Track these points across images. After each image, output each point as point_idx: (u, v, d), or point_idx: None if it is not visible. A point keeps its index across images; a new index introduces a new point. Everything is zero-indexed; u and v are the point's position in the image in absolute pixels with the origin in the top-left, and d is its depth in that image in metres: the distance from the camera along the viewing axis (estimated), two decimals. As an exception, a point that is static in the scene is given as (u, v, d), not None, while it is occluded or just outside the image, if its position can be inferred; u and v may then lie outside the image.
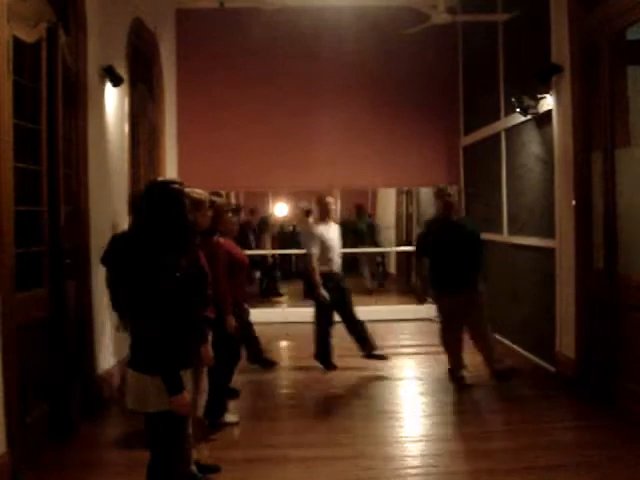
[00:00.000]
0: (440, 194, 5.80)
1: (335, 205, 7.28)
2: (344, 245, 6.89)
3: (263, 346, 6.47)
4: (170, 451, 2.82)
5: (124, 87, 6.14)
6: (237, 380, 5.04)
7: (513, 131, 6.96)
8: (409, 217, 12.56)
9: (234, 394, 5.02)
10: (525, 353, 6.62)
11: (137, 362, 2.77)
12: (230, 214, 4.77)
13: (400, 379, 6.02)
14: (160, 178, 2.91)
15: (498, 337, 7.41)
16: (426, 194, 11.08)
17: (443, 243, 5.61)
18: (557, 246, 5.83)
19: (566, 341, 5.68)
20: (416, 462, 4.03)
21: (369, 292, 12.01)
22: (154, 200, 2.81)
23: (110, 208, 5.87)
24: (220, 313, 4.25)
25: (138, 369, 2.75)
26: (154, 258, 2.71)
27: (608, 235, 5.03)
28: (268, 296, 11.82)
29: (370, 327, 6.42)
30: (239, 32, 8.44)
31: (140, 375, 2.74)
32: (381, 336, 7.60)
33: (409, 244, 12.06)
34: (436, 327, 6.10)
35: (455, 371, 5.70)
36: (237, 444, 4.45)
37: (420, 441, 4.42)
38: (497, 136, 7.42)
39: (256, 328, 6.31)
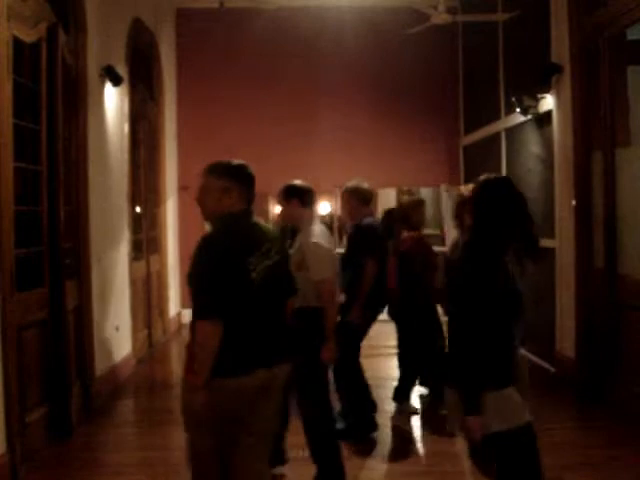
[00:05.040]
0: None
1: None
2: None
3: None
4: None
5: (124, 87, 6.15)
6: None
7: (513, 131, 6.96)
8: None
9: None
10: (525, 353, 6.61)
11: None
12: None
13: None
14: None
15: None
16: (426, 194, 11.06)
17: None
18: (557, 246, 5.83)
19: (566, 341, 5.68)
20: (416, 462, 4.03)
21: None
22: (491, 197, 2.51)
23: (110, 208, 5.87)
24: None
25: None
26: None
27: (608, 235, 5.03)
28: None
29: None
30: (239, 32, 8.45)
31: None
32: (380, 336, 7.58)
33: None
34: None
35: None
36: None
37: (420, 441, 4.42)
38: (497, 136, 7.42)
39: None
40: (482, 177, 2.55)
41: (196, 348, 2.46)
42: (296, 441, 3.80)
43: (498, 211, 2.45)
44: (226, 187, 2.61)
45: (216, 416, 2.52)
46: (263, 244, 2.63)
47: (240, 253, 2.52)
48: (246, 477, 2.65)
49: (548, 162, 6.05)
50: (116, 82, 5.74)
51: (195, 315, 2.49)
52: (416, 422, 4.77)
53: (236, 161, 2.70)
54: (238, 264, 2.50)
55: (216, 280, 2.45)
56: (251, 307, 2.55)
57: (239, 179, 2.65)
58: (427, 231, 10.76)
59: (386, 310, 4.87)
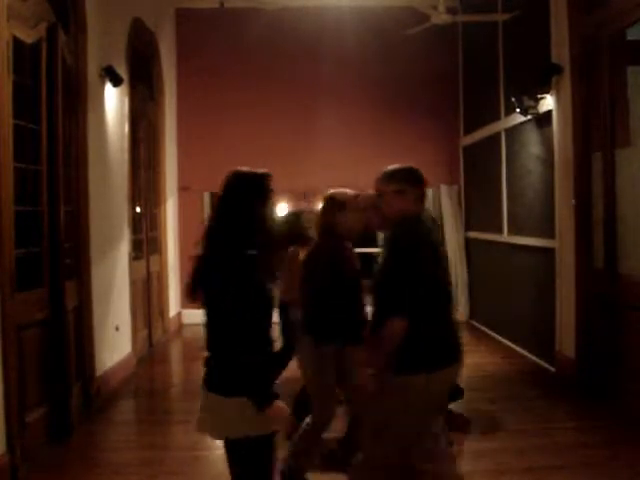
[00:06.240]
0: None
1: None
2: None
3: None
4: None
5: (124, 87, 6.15)
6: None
7: (513, 131, 6.96)
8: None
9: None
10: (525, 353, 6.62)
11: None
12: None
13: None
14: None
15: (498, 337, 7.42)
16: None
17: None
18: (557, 246, 5.83)
19: (566, 341, 5.68)
20: (416, 462, 4.02)
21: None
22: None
23: (110, 208, 5.87)
24: None
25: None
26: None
27: (608, 235, 5.03)
28: None
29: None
30: (239, 32, 8.44)
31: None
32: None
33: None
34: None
35: None
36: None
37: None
38: (497, 136, 7.42)
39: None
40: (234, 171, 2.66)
41: (384, 339, 2.72)
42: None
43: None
44: (401, 190, 2.89)
45: (431, 405, 2.81)
46: (437, 242, 2.93)
47: (432, 255, 2.79)
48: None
49: (548, 162, 6.05)
50: (116, 82, 5.74)
51: (390, 311, 2.72)
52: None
53: (407, 166, 2.99)
54: (433, 265, 2.77)
55: (414, 281, 2.70)
56: (442, 303, 2.85)
57: (415, 182, 2.94)
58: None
59: None
